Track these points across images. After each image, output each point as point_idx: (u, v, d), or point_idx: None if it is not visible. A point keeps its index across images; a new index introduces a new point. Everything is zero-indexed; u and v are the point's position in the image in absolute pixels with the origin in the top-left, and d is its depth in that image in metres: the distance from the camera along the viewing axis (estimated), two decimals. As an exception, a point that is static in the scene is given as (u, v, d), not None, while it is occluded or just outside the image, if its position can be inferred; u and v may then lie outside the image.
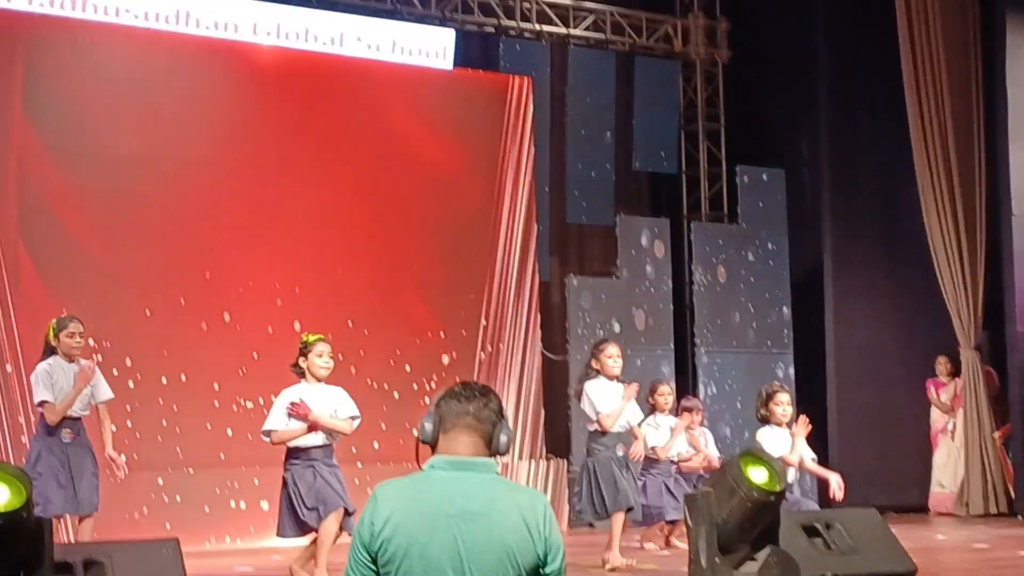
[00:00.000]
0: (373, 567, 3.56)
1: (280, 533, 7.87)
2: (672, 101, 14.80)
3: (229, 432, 11.38)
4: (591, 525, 8.25)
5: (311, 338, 7.97)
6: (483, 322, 12.80)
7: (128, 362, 10.97)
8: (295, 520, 7.70)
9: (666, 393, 10.02)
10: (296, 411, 7.70)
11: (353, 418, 7.92)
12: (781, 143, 15.08)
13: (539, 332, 13.21)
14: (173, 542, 4.79)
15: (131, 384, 10.93)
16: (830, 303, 14.23)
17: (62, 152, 10.92)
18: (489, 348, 12.84)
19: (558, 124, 13.90)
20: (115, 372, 10.51)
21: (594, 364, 8.69)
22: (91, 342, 9.22)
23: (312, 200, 11.98)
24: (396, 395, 12.10)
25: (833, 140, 14.34)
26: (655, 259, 13.89)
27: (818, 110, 14.48)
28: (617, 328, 13.47)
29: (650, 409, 9.97)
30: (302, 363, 7.93)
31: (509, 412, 11.54)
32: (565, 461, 12.92)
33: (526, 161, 13.24)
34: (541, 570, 3.61)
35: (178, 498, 10.91)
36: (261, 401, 11.19)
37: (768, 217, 14.59)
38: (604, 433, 8.56)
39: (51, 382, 8.01)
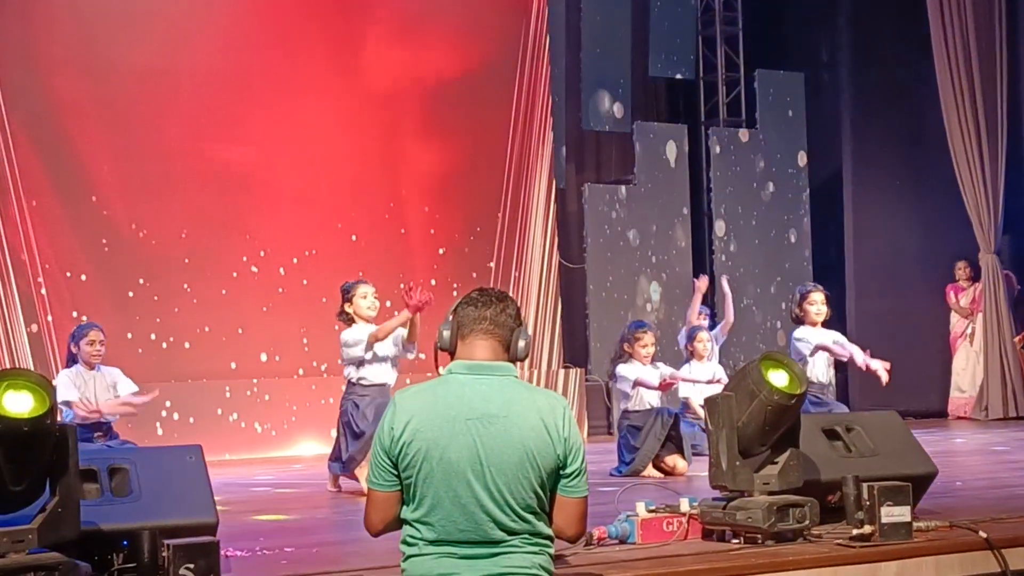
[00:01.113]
0: (394, 471, 3.58)
1: (331, 465, 7.90)
2: (689, 5, 14.61)
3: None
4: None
5: (350, 283, 7.97)
6: (498, 230, 12.76)
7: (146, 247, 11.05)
8: (350, 448, 7.72)
9: (704, 339, 10.02)
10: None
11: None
12: (800, 47, 14.89)
13: (556, 240, 13.17)
14: (196, 448, 4.81)
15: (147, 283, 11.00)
16: (849, 208, 14.16)
17: (69, 63, 10.87)
18: (504, 256, 12.79)
19: (574, 29, 13.74)
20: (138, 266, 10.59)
21: (627, 348, 8.78)
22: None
23: (325, 104, 11.88)
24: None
25: (853, 43, 14.18)
26: (672, 166, 13.82)
27: (838, 12, 14.29)
28: (635, 240, 13.45)
29: (688, 356, 9.99)
30: (348, 309, 7.91)
31: (527, 322, 11.52)
32: (583, 370, 12.95)
33: (542, 67, 13.11)
34: (561, 471, 3.63)
35: (196, 407, 11.01)
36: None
37: (787, 122, 14.48)
38: (634, 411, 8.65)
39: (73, 386, 8.02)
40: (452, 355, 3.74)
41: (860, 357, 8.84)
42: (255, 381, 11.31)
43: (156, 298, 11.00)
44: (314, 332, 11.43)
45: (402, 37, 12.35)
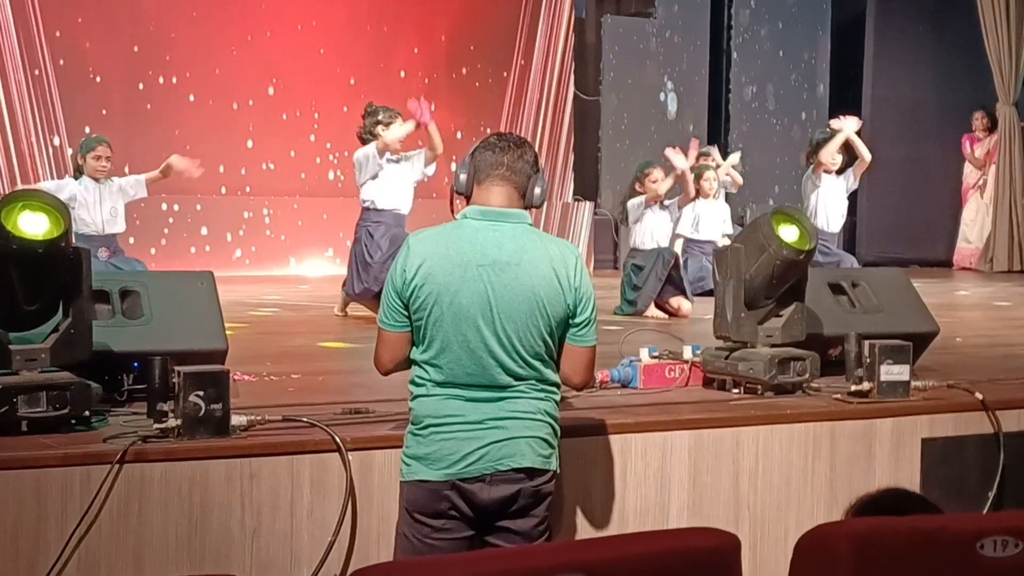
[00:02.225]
0: (405, 312, 3.62)
1: (346, 288, 7.94)
2: None
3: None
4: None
5: (392, 110, 7.88)
6: (517, 60, 12.63)
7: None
8: (361, 277, 7.76)
9: (711, 179, 10.00)
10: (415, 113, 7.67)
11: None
12: None
13: (572, 71, 13.04)
14: (208, 274, 4.85)
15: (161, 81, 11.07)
16: (869, 54, 14.00)
17: None
18: (519, 86, 12.69)
19: None
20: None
21: (638, 187, 8.78)
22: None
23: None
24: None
25: None
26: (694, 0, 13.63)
27: None
28: (653, 74, 13.32)
29: (695, 195, 9.96)
30: (381, 131, 7.81)
31: (538, 151, 11.51)
32: (593, 203, 12.96)
33: None
34: (570, 320, 3.66)
35: (206, 228, 11.10)
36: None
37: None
38: (639, 250, 8.65)
39: (72, 193, 7.91)
40: (468, 199, 3.74)
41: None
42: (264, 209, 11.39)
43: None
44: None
45: None
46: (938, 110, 14.01)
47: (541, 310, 3.60)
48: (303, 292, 9.87)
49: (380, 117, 7.86)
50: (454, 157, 11.45)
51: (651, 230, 8.70)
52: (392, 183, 7.83)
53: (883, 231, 13.55)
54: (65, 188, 7.97)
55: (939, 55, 13.95)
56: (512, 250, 3.61)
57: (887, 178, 13.79)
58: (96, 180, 8.11)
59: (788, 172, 13.22)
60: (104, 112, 10.72)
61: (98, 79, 10.83)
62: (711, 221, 10.03)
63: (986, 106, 13.39)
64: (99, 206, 8.09)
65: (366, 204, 7.82)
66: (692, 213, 9.76)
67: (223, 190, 11.28)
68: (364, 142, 7.90)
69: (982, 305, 10.05)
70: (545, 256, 3.63)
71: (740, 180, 10.78)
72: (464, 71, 12.34)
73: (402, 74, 11.85)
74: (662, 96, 13.43)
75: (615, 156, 13.11)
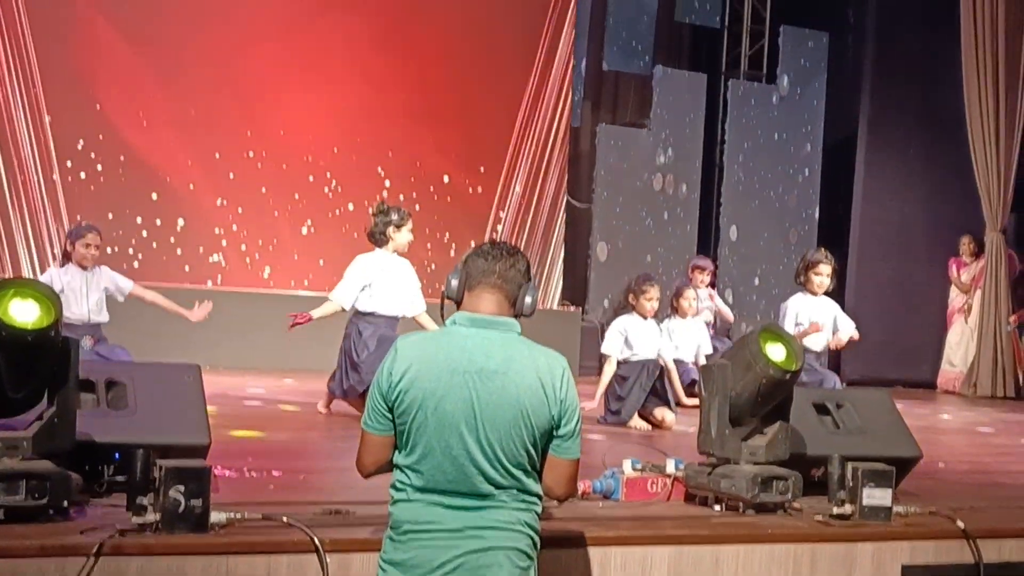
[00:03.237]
0: (389, 416, 3.61)
1: (332, 386, 7.93)
2: (720, -47, 14.52)
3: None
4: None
5: (403, 211, 7.93)
6: (508, 163, 12.73)
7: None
8: (349, 376, 7.74)
9: (691, 299, 10.03)
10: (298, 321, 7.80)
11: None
12: (827, 6, 14.82)
13: (566, 178, 13.15)
14: (195, 368, 4.86)
15: (155, 197, 11.15)
16: (860, 173, 14.15)
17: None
18: (513, 190, 12.79)
19: (602, -32, 13.67)
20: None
21: (631, 300, 8.71)
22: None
23: (348, 30, 11.89)
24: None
25: (880, 8, 14.09)
26: (688, 114, 13.77)
27: (868, -25, 14.21)
28: (645, 184, 13.44)
29: (671, 312, 9.97)
30: (392, 233, 7.84)
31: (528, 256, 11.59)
32: (580, 309, 12.99)
33: (568, 4, 13.04)
34: (555, 431, 3.65)
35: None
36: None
37: (807, 81, 14.43)
38: (624, 361, 8.63)
39: (61, 285, 7.88)
40: (458, 305, 3.76)
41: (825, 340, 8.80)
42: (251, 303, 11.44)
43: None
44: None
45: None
46: (926, 232, 14.14)
47: (525, 420, 3.59)
48: (288, 387, 9.83)
49: (392, 218, 7.88)
50: (428, 260, 11.52)
51: (636, 341, 8.69)
52: (392, 289, 7.85)
53: (868, 350, 13.56)
54: (52, 282, 7.81)
55: (929, 178, 14.10)
56: (500, 359, 3.61)
57: (873, 297, 13.88)
58: (83, 268, 8.07)
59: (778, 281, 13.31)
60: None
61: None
62: (683, 342, 9.97)
63: (973, 231, 13.51)
64: (85, 296, 8.02)
65: (360, 308, 7.82)
66: (665, 332, 9.67)
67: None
68: (374, 240, 7.91)
69: (965, 430, 10.04)
70: (532, 366, 3.63)
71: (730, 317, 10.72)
72: (447, 178, 12.44)
73: (387, 185, 11.97)
74: (654, 205, 13.53)
75: (605, 263, 13.18)
